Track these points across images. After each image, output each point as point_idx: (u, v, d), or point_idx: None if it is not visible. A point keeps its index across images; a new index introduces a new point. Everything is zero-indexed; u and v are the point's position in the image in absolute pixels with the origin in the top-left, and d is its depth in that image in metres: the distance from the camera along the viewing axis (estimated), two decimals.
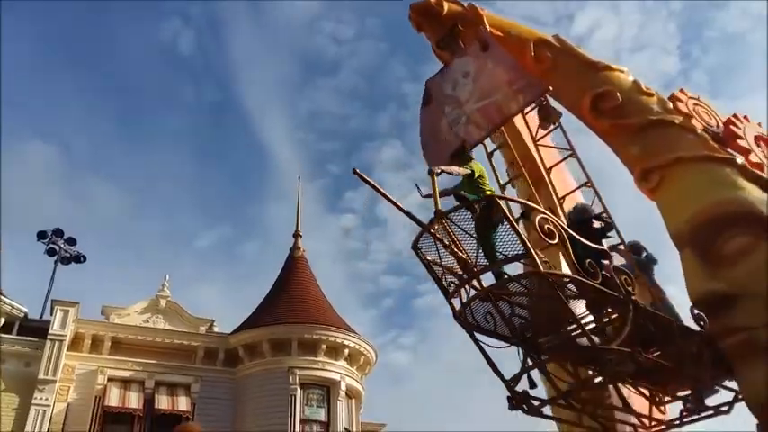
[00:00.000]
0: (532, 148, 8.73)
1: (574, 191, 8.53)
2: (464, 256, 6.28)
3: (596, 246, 6.44)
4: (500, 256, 6.00)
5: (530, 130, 8.81)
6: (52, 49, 57.57)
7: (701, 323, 6.70)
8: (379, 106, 65.94)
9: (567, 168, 8.85)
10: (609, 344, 6.08)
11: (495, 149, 8.70)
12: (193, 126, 62.76)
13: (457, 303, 6.36)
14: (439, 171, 6.04)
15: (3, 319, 17.69)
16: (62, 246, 21.15)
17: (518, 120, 8.63)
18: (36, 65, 56.34)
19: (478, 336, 6.52)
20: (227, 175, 64.91)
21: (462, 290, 6.28)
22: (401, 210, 6.10)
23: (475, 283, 6.22)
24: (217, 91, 64.13)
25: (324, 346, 19.39)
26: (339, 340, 19.54)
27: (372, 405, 27.01)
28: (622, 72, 7.77)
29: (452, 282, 6.30)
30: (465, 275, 6.21)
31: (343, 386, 19.23)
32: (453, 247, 6.27)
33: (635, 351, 6.13)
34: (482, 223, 6.16)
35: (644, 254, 7.68)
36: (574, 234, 6.17)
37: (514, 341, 6.40)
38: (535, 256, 5.79)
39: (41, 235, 21.04)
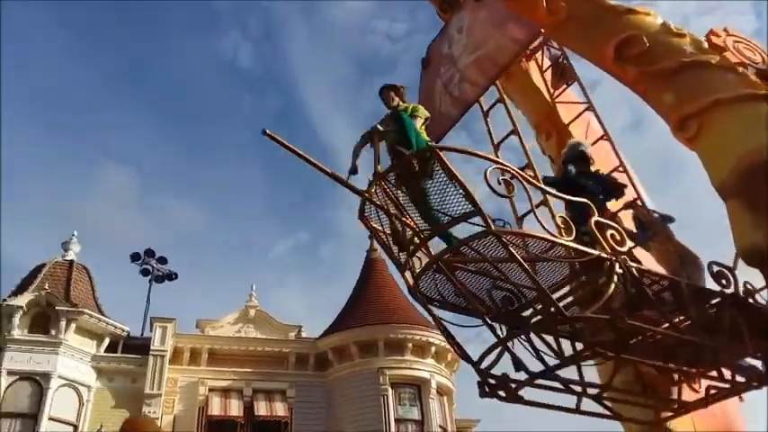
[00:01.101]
0: (552, 108, 8.10)
1: (596, 142, 7.61)
2: (411, 223, 5.46)
3: (577, 198, 5.63)
4: (446, 219, 5.29)
5: (548, 89, 8.17)
6: (116, 74, 60.40)
7: (723, 282, 5.83)
8: None
9: (592, 126, 8.37)
10: (600, 312, 5.22)
11: (491, 105, 7.63)
12: (258, 137, 64.20)
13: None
14: (383, 129, 5.40)
15: (108, 339, 18.81)
16: (154, 265, 22.25)
17: (536, 77, 8.13)
18: (100, 89, 59.23)
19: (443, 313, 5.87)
20: (296, 182, 66.32)
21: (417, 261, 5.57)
22: (326, 173, 5.26)
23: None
24: (278, 99, 65.68)
25: (410, 346, 19.50)
26: (425, 339, 19.59)
27: (465, 401, 26.76)
28: (648, 15, 6.95)
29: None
30: (411, 245, 5.42)
31: (433, 384, 19.28)
32: (399, 213, 5.43)
33: (616, 318, 5.23)
34: (422, 181, 5.40)
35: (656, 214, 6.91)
36: (537, 184, 5.39)
37: (490, 317, 5.64)
38: (484, 212, 5.02)
39: (135, 257, 22.24)
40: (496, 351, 5.75)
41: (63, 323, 17.81)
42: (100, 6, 57.28)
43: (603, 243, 5.20)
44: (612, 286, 5.12)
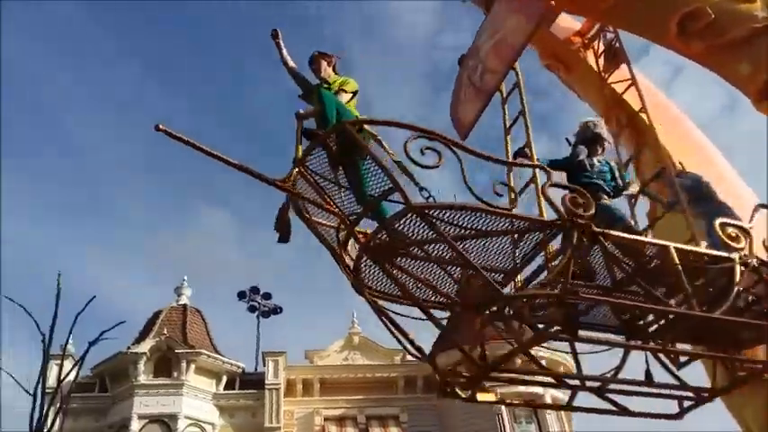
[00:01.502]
0: (609, 91, 7.62)
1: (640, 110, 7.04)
2: (336, 210, 5.00)
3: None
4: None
5: (599, 73, 7.75)
6: (202, 113, 63.51)
7: (730, 246, 5.14)
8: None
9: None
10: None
11: (510, 90, 6.90)
12: None
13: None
14: (305, 113, 4.92)
15: (225, 377, 19.62)
16: (260, 301, 23.09)
17: (592, 62, 7.74)
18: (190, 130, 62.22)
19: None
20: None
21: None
22: (233, 164, 4.75)
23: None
24: None
25: (519, 360, 19.08)
26: (532, 353, 19.10)
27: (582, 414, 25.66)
28: None
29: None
30: (339, 232, 5.00)
31: (548, 399, 18.76)
32: (323, 200, 4.99)
33: (565, 294, 4.52)
34: (343, 161, 4.96)
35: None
36: (469, 148, 4.74)
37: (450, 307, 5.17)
38: (400, 185, 4.51)
39: (241, 295, 23.21)
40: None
41: (183, 365, 18.77)
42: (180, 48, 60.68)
43: (561, 209, 4.54)
44: (564, 257, 4.54)
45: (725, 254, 5.04)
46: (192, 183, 61.55)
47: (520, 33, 6.32)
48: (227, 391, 19.45)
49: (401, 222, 4.59)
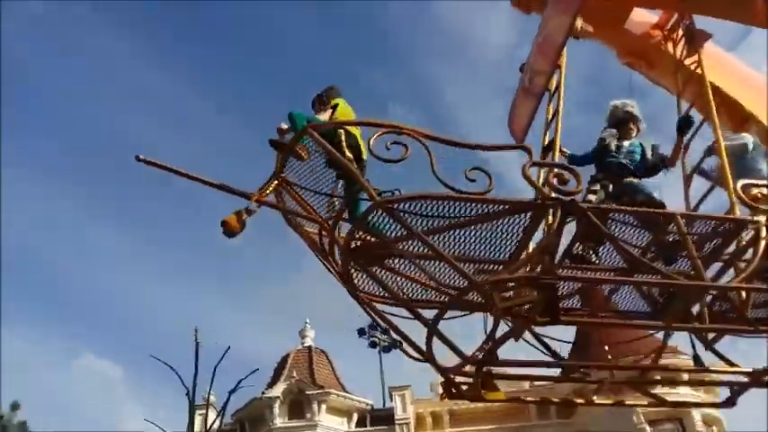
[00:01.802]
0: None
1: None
2: (315, 216, 4.94)
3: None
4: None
5: (680, 60, 7.27)
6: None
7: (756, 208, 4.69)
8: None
9: None
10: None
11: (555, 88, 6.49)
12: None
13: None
14: (285, 127, 4.86)
15: (356, 415, 19.88)
16: (380, 336, 23.31)
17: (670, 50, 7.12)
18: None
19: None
20: None
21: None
22: (211, 184, 4.76)
23: None
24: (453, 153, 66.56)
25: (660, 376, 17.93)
26: (673, 365, 17.91)
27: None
28: None
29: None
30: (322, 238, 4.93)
31: (697, 416, 17.44)
32: (305, 208, 4.94)
33: (543, 275, 4.30)
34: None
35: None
36: (432, 135, 4.51)
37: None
38: (364, 182, 4.47)
39: (361, 332, 23.57)
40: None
41: (315, 406, 19.26)
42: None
43: (541, 187, 4.30)
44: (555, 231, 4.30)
45: (748, 217, 4.68)
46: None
47: (560, 30, 6.05)
48: (359, 429, 19.69)
49: (389, 221, 4.51)
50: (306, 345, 22.01)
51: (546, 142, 5.70)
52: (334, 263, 4.89)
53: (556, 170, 4.34)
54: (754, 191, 4.84)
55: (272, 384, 20.48)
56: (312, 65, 64.71)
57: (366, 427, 19.84)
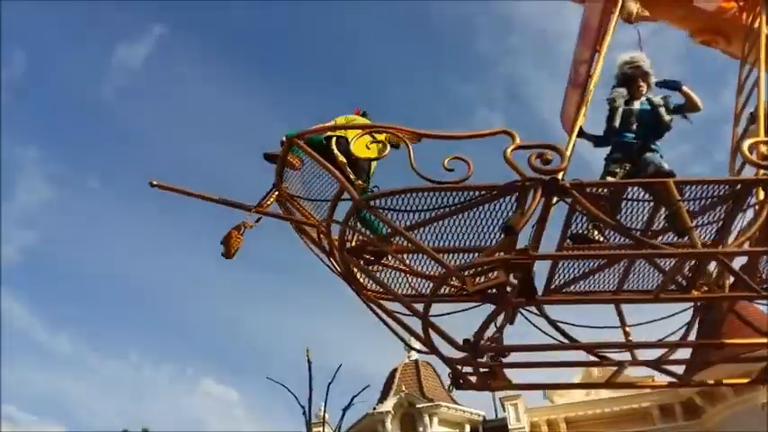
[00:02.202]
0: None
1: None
2: (311, 220, 5.24)
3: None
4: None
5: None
6: None
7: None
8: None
9: None
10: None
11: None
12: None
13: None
14: (283, 139, 5.09)
15: (468, 427, 19.71)
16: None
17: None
18: None
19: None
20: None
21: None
22: (213, 200, 5.10)
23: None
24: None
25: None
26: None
27: None
28: None
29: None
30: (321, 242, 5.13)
31: None
32: (301, 214, 5.22)
33: (512, 258, 4.30)
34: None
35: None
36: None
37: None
38: (344, 182, 4.67)
39: (464, 341, 23.33)
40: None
41: (426, 419, 19.26)
42: None
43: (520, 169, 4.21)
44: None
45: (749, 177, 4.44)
46: None
47: (595, 11, 5.91)
48: None
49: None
50: (412, 358, 22.13)
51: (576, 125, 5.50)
52: (336, 264, 5.09)
53: (538, 150, 4.20)
54: (763, 148, 4.52)
55: (382, 399, 20.72)
56: (400, 76, 65.54)
57: None
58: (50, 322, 61.71)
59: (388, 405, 19.70)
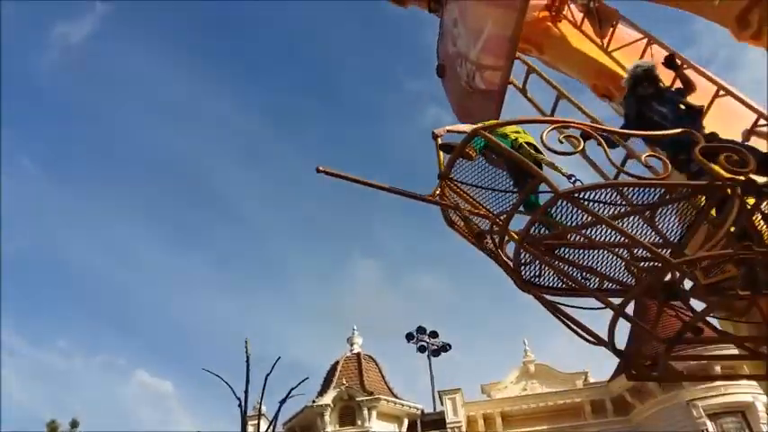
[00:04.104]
0: (607, 61, 6.71)
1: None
2: (485, 213, 5.07)
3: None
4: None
5: (596, 43, 6.88)
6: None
7: None
8: None
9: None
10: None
11: (524, 79, 6.54)
12: None
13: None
14: (442, 132, 5.08)
15: (406, 420, 19.83)
16: (428, 340, 23.22)
17: (573, 37, 6.89)
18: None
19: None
20: None
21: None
22: (388, 189, 4.95)
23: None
24: None
25: (718, 369, 17.31)
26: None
27: None
28: None
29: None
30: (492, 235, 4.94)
31: (759, 407, 16.72)
32: (472, 207, 5.08)
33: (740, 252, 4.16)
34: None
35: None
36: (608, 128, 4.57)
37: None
38: (542, 174, 4.46)
39: (409, 336, 23.51)
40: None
41: (365, 412, 19.29)
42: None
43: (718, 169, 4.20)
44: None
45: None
46: (347, 237, 64.44)
47: (508, 24, 5.96)
48: None
49: (555, 212, 4.54)
50: (354, 351, 22.11)
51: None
52: (506, 258, 4.96)
53: (727, 152, 4.26)
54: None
55: (322, 392, 20.63)
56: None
57: (417, 431, 19.75)
58: None
59: (328, 398, 19.63)
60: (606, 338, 4.81)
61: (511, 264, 4.88)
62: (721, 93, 5.86)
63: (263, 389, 17.88)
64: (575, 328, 4.98)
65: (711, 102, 5.84)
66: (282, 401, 17.52)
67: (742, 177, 4.18)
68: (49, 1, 54.67)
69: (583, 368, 20.83)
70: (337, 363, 21.64)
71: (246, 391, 17.88)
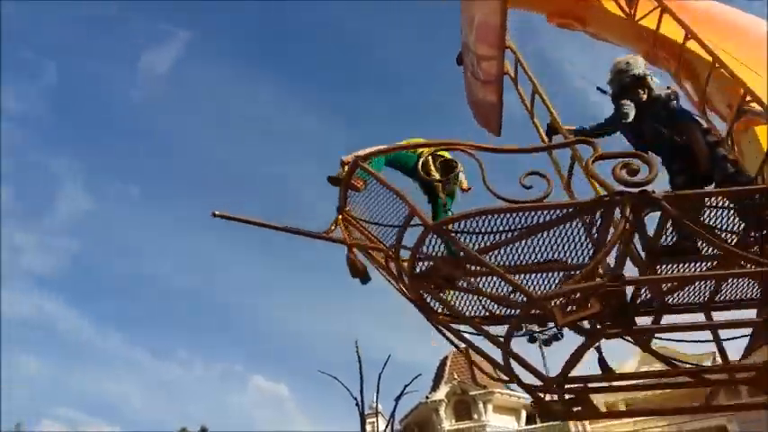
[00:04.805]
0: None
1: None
2: (378, 245, 4.89)
3: None
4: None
5: (624, 11, 6.44)
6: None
7: None
8: None
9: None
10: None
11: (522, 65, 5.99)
12: None
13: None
14: (350, 159, 4.84)
15: (524, 412, 19.40)
16: (537, 330, 22.61)
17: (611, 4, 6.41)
18: None
19: None
20: None
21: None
22: (280, 229, 4.86)
23: None
24: None
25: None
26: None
27: None
28: None
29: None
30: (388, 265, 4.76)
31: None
32: (368, 239, 4.88)
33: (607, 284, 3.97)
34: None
35: None
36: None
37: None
38: (413, 205, 4.21)
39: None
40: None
41: (481, 405, 19.04)
42: None
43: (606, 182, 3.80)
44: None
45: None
46: None
47: (493, 12, 5.64)
48: (529, 426, 19.17)
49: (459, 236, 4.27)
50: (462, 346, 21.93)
51: (540, 130, 5.40)
52: (406, 289, 4.83)
53: (622, 160, 3.74)
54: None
55: (434, 388, 20.61)
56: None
57: (536, 423, 19.26)
58: (99, 324, 64.05)
59: (441, 393, 19.59)
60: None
61: (410, 295, 4.71)
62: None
63: (378, 387, 18.15)
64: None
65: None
66: (398, 398, 17.73)
67: (635, 189, 3.68)
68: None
69: (709, 349, 19.54)
70: (446, 358, 21.53)
71: (362, 391, 18.24)
